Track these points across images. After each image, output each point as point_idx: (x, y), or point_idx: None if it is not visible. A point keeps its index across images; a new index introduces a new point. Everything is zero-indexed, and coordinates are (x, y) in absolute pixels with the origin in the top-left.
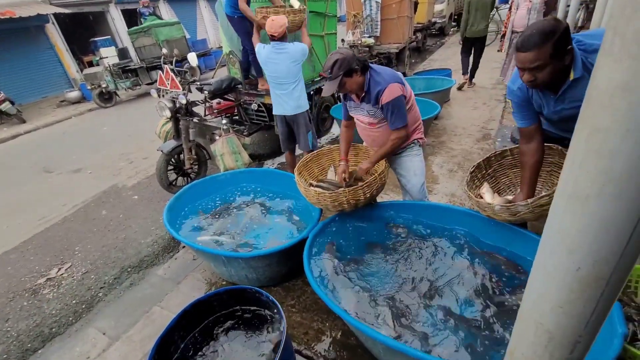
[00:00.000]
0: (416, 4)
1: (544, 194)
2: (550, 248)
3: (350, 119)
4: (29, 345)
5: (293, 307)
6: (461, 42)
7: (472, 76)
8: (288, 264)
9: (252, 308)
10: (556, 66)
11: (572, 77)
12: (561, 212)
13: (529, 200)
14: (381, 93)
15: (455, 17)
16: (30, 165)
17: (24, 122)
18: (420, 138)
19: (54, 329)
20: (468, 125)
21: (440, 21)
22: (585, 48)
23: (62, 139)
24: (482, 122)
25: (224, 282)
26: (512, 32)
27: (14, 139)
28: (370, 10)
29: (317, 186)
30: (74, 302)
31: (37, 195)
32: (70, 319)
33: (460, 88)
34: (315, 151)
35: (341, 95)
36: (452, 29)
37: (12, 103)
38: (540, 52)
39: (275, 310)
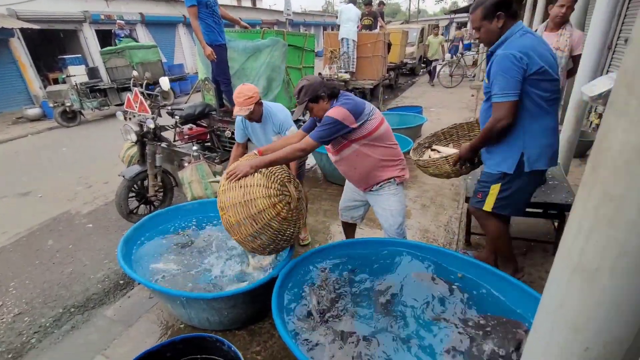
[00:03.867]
0: (389, 45)
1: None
2: (551, 323)
3: (307, 130)
4: None
5: (258, 354)
6: None
7: None
8: (255, 305)
9: (212, 357)
10: (487, 27)
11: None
12: (564, 285)
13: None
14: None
15: (424, 59)
16: None
17: None
18: (398, 176)
19: None
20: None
21: (411, 62)
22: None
23: (13, 159)
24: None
25: (182, 325)
26: None
27: None
28: (347, 47)
29: None
30: None
31: None
32: None
33: None
34: None
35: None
36: (421, 70)
37: None
38: (474, 14)
39: None
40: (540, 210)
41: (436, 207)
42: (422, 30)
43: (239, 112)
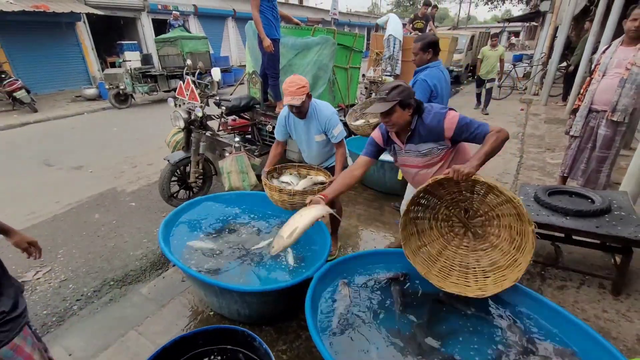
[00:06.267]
0: None
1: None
2: None
3: (374, 156)
4: None
5: (284, 353)
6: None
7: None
8: (286, 303)
9: (242, 350)
10: (421, 56)
11: None
12: None
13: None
14: (443, 128)
15: (471, 67)
16: (31, 155)
17: (36, 111)
18: None
19: None
20: (483, 175)
21: (457, 70)
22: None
23: (69, 133)
24: (497, 174)
25: (211, 313)
26: (590, 110)
27: (22, 126)
28: (394, 48)
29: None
30: (44, 312)
31: (32, 188)
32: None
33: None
34: None
35: (382, 136)
36: (466, 79)
37: (28, 92)
38: (416, 45)
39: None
40: (597, 242)
41: None
42: (472, 37)
43: (291, 101)
